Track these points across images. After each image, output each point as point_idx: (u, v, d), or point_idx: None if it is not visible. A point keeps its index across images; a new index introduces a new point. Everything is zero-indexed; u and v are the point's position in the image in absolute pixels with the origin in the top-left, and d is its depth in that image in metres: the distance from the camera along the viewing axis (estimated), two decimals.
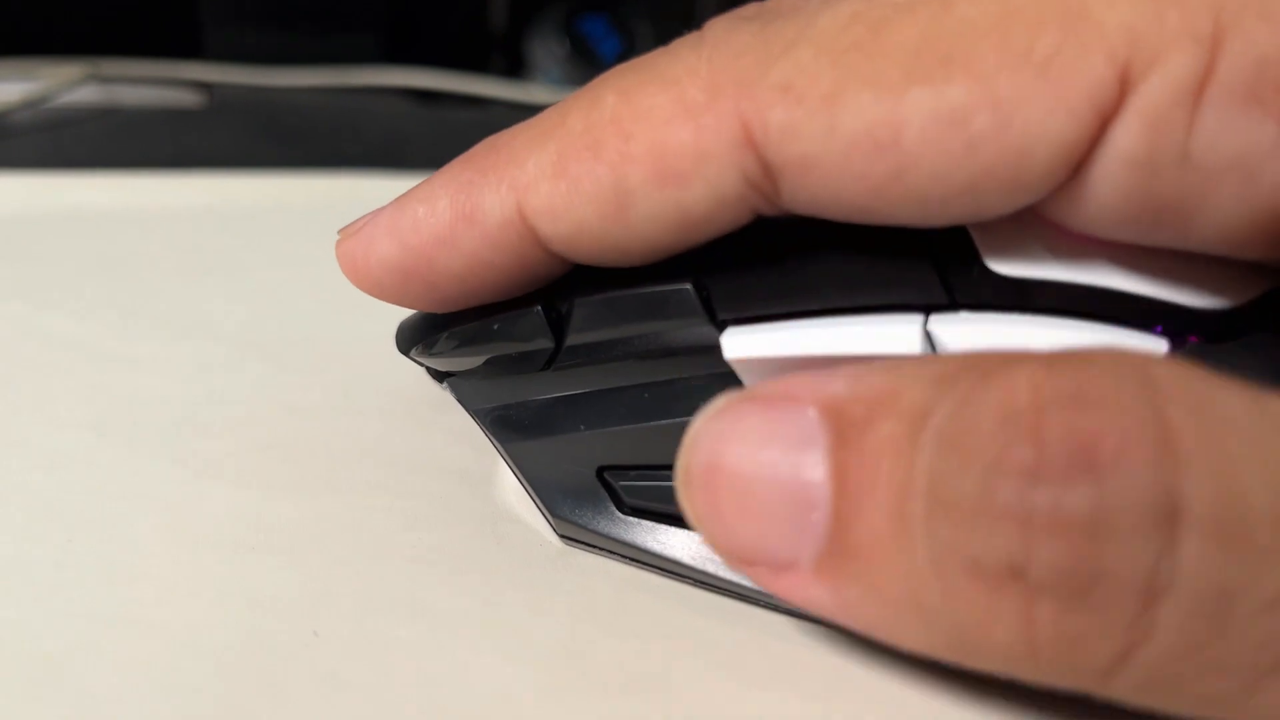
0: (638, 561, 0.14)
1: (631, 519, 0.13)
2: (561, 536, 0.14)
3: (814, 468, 0.10)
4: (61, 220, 0.30)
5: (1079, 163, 0.10)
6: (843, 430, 0.10)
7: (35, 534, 0.14)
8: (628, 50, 0.52)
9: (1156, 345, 0.11)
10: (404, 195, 0.14)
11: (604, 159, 0.12)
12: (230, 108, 0.46)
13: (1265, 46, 0.09)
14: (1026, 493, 0.09)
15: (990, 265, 0.12)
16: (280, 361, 0.20)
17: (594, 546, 0.14)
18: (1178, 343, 0.11)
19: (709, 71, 0.11)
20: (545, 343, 0.13)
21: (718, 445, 0.11)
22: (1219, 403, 0.09)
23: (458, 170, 0.13)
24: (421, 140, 0.44)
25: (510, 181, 0.12)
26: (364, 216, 0.14)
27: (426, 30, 0.52)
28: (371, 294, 0.14)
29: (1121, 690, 0.09)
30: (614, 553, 0.14)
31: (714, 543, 0.11)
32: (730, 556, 0.11)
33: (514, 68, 0.54)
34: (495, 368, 0.14)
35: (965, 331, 0.12)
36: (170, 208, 0.32)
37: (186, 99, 0.46)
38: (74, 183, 0.34)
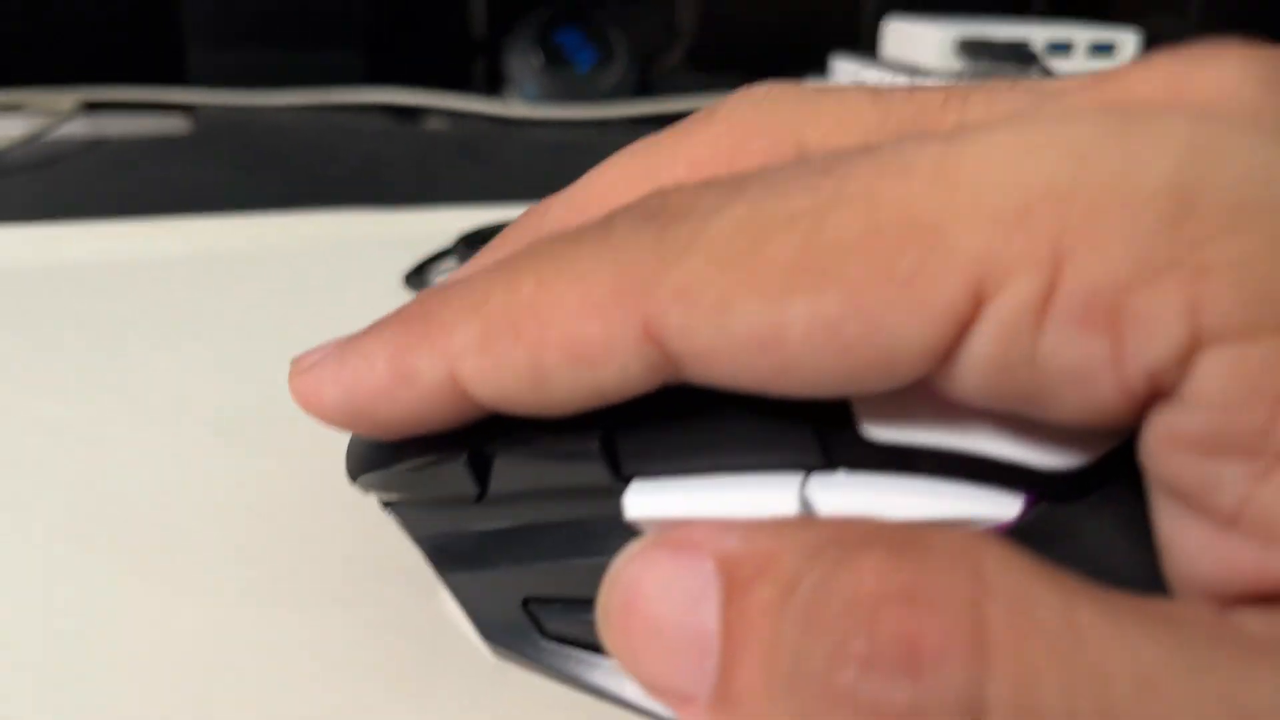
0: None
1: (554, 645, 0.15)
2: (495, 652, 0.16)
3: (709, 618, 0.11)
4: (50, 275, 0.32)
5: (942, 360, 0.12)
6: (731, 587, 0.11)
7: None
8: (603, 60, 0.53)
9: (1014, 506, 0.13)
10: (347, 344, 0.15)
11: (523, 341, 0.13)
12: (215, 134, 0.47)
13: (1096, 275, 0.10)
14: (859, 680, 0.10)
15: (866, 430, 0.13)
16: (250, 446, 0.22)
17: (525, 662, 0.15)
18: (1032, 503, 0.13)
19: (613, 273, 0.12)
20: (471, 488, 0.14)
21: (632, 588, 0.12)
22: (1034, 601, 0.10)
23: (394, 331, 0.14)
24: (402, 161, 0.45)
25: (441, 350, 0.13)
26: (314, 351, 0.15)
27: (407, 48, 0.53)
28: (324, 424, 0.15)
29: None
30: (542, 668, 0.15)
31: (630, 673, 0.12)
32: (644, 686, 0.12)
33: (494, 82, 0.54)
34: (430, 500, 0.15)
35: (839, 493, 0.13)
36: (157, 258, 0.34)
37: (172, 126, 0.47)
38: (65, 233, 0.35)
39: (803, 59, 0.57)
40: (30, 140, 0.41)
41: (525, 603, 0.15)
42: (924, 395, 0.13)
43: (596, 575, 0.13)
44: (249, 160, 0.43)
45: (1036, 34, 0.46)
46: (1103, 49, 0.47)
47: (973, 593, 0.10)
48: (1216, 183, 0.10)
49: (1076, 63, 0.46)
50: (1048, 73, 0.43)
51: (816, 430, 0.13)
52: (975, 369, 0.11)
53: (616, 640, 0.12)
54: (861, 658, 0.10)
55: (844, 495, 0.13)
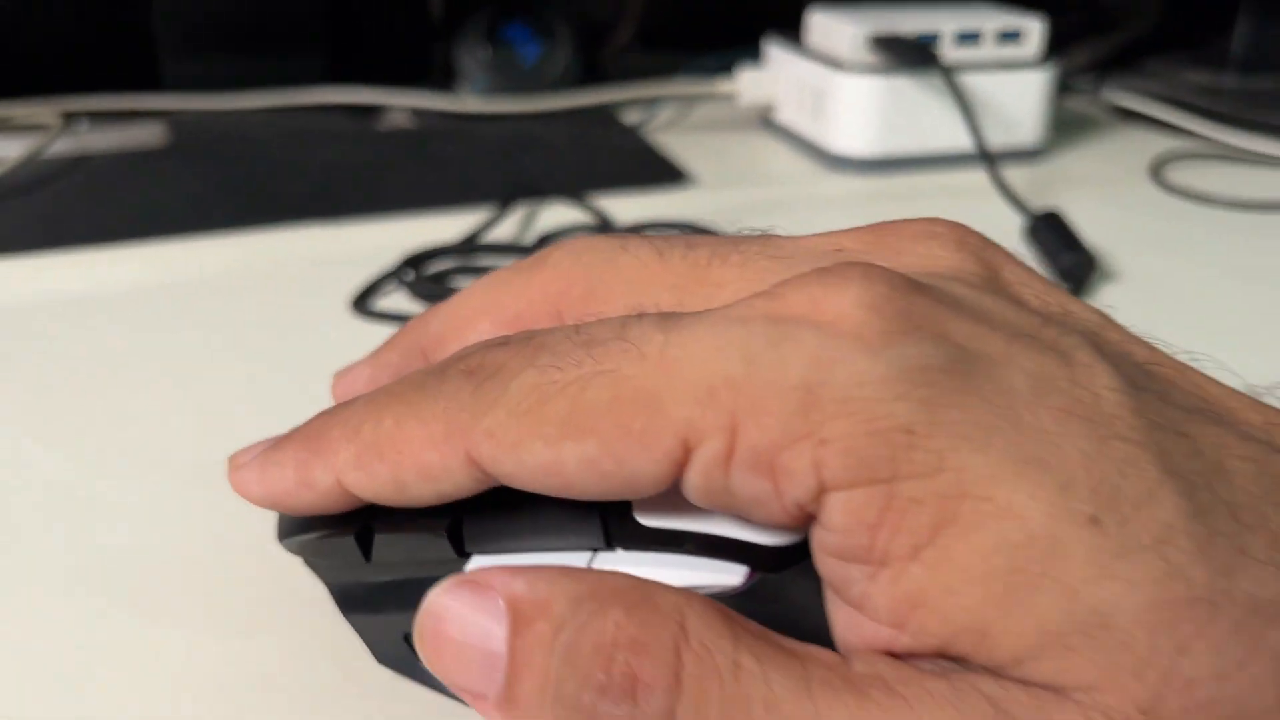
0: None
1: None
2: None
3: (498, 643, 0.16)
4: (35, 311, 0.36)
5: (670, 483, 0.16)
6: (516, 621, 0.16)
7: None
8: (548, 53, 0.56)
9: (739, 575, 0.17)
10: (267, 453, 0.19)
11: (387, 462, 0.18)
12: (190, 144, 0.50)
13: (757, 440, 0.15)
14: (597, 702, 0.15)
15: (638, 518, 0.18)
16: (210, 489, 0.26)
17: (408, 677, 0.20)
18: (752, 574, 0.17)
19: (444, 418, 0.17)
20: (360, 559, 0.19)
21: (441, 614, 0.17)
22: (714, 648, 0.15)
23: (297, 448, 0.19)
24: (358, 165, 0.49)
25: (329, 465, 0.18)
26: (245, 452, 0.20)
27: (366, 47, 0.56)
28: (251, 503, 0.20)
29: None
30: (421, 682, 0.20)
31: (437, 675, 0.17)
32: (449, 686, 0.17)
33: (450, 79, 0.58)
34: None
35: (616, 567, 0.18)
36: (139, 287, 0.38)
37: (150, 136, 0.51)
38: (48, 263, 0.40)
39: (741, 40, 0.61)
40: (29, 160, 0.45)
41: (405, 637, 0.20)
42: (680, 494, 0.18)
43: None
44: (219, 173, 0.47)
45: (946, 25, 0.49)
46: (1009, 36, 0.50)
47: (676, 642, 0.15)
48: (830, 383, 0.15)
49: (985, 50, 0.50)
50: (947, 71, 0.47)
51: (602, 519, 0.18)
52: (692, 490, 0.16)
53: (428, 652, 0.17)
54: (600, 686, 0.15)
55: (620, 568, 0.18)
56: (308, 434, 0.19)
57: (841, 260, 0.17)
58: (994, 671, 0.14)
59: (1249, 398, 0.16)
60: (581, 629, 0.16)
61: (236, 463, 0.20)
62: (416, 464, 0.17)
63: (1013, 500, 0.14)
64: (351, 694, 0.20)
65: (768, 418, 0.15)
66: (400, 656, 0.20)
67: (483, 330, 0.21)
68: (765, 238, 0.19)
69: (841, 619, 0.16)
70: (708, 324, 0.16)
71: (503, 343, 0.18)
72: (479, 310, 0.21)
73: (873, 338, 0.15)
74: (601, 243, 0.20)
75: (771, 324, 0.15)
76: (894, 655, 0.15)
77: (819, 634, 0.17)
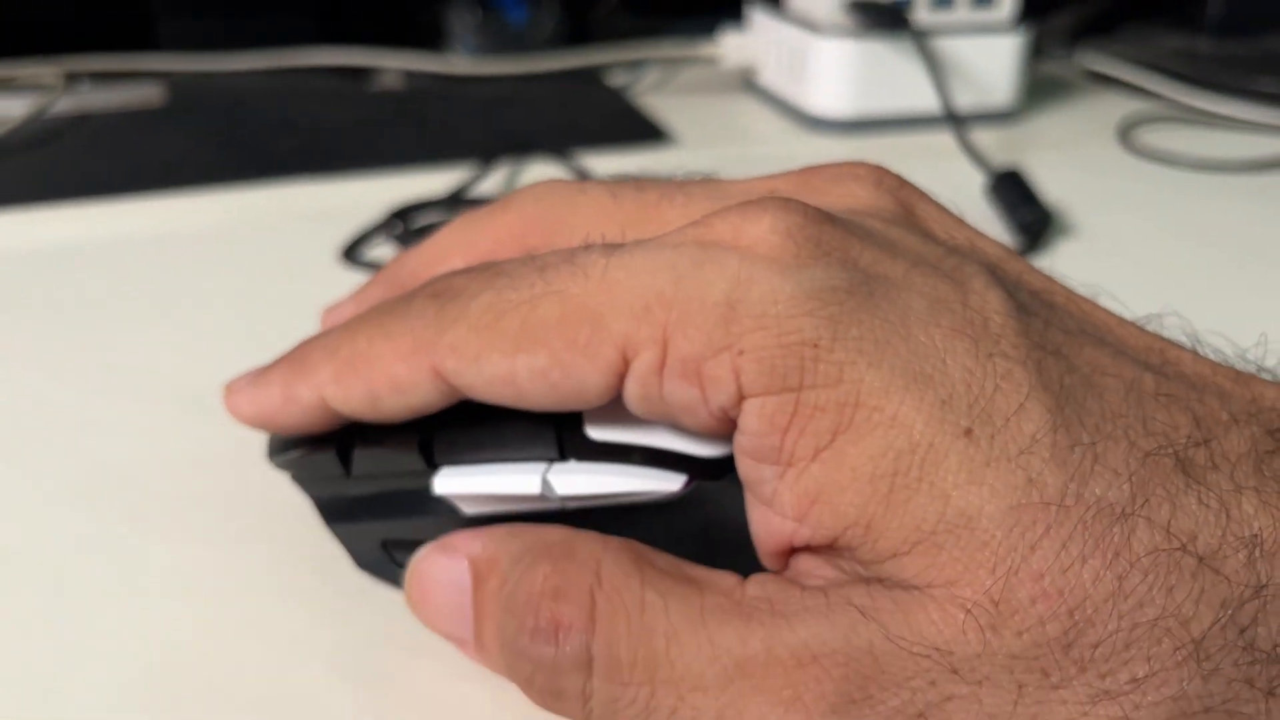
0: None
1: (403, 571, 0.22)
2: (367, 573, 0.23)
3: (465, 596, 0.18)
4: (36, 259, 0.38)
5: (612, 393, 0.18)
6: (475, 579, 0.18)
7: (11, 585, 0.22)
8: (535, 16, 0.57)
9: (677, 482, 0.19)
10: (257, 375, 0.21)
11: (361, 377, 0.19)
12: (186, 103, 0.52)
13: (685, 351, 0.17)
14: (529, 644, 0.17)
15: (589, 432, 0.20)
16: (202, 414, 0.28)
17: (387, 583, 0.22)
18: (690, 481, 0.19)
19: (411, 335, 0.19)
20: (340, 472, 0.21)
21: (424, 574, 0.19)
22: (624, 589, 0.17)
23: (283, 369, 0.21)
24: (349, 123, 0.50)
25: (312, 382, 0.20)
26: (239, 379, 0.22)
27: (356, 10, 0.58)
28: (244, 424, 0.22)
29: None
30: (398, 586, 0.22)
31: (426, 625, 0.19)
32: (435, 631, 0.19)
33: (440, 40, 0.59)
34: None
35: (567, 477, 0.19)
36: (137, 238, 0.40)
37: (148, 95, 0.53)
38: (50, 215, 0.41)
39: (723, 6, 0.62)
40: (33, 118, 0.47)
41: (383, 544, 0.22)
42: (627, 412, 0.20)
43: (424, 527, 0.20)
44: (215, 131, 0.49)
45: None
46: (982, 1, 0.51)
47: (590, 587, 0.17)
48: (747, 300, 0.16)
49: (959, 15, 0.51)
50: (918, 35, 0.48)
51: (557, 433, 0.20)
52: (632, 399, 0.18)
53: (416, 608, 0.20)
54: (530, 630, 0.17)
55: (570, 478, 0.19)
56: (292, 358, 0.21)
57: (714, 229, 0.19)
58: (873, 566, 0.16)
59: (1134, 325, 0.18)
60: (517, 582, 0.18)
61: (230, 388, 0.22)
62: (387, 377, 0.19)
63: (899, 411, 0.15)
64: (332, 596, 0.22)
65: (694, 330, 0.17)
66: (378, 562, 0.22)
67: (455, 266, 0.22)
68: (708, 181, 0.21)
69: (757, 517, 0.18)
70: (644, 249, 0.18)
71: (465, 271, 0.20)
72: (452, 248, 0.23)
73: (787, 260, 0.17)
74: (561, 186, 0.22)
75: (699, 248, 0.17)
76: (795, 551, 0.17)
77: (745, 535, 0.19)
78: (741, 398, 0.17)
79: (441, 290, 0.19)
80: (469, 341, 0.18)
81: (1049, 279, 0.19)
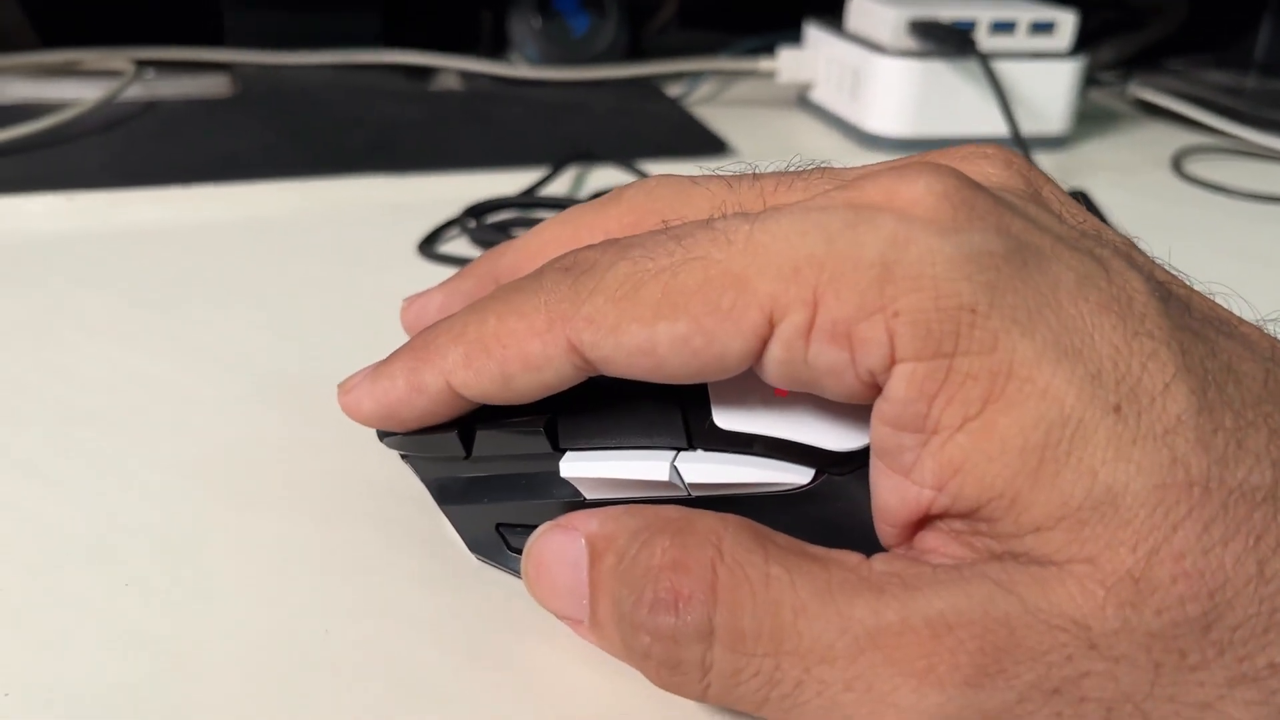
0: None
1: (516, 555, 0.22)
2: (478, 558, 0.23)
3: (581, 573, 0.18)
4: (118, 239, 0.38)
5: (754, 360, 0.18)
6: (592, 556, 0.18)
7: (98, 557, 0.23)
8: (596, 25, 0.58)
9: (805, 476, 0.20)
10: (375, 370, 0.21)
11: (493, 357, 0.19)
12: (254, 96, 0.53)
13: (836, 313, 0.16)
14: (648, 616, 0.17)
15: (717, 421, 0.20)
16: (300, 397, 0.29)
17: (497, 566, 0.23)
18: (818, 475, 0.20)
19: (545, 309, 0.19)
20: (460, 451, 0.21)
21: (540, 554, 0.19)
22: (747, 563, 0.17)
23: (406, 358, 0.20)
24: (416, 122, 0.51)
25: (439, 367, 0.20)
26: (353, 377, 0.22)
27: (419, 13, 0.58)
28: (361, 423, 0.22)
29: (710, 702, 0.18)
30: (508, 570, 0.22)
31: (541, 605, 0.20)
32: (549, 611, 0.20)
33: (499, 44, 0.60)
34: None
35: (696, 465, 0.20)
36: (207, 223, 0.40)
37: (216, 86, 0.53)
38: (130, 198, 0.42)
39: (781, 22, 0.63)
40: (104, 104, 0.48)
41: (498, 527, 0.22)
42: (755, 401, 0.20)
43: (543, 510, 0.21)
44: (284, 123, 0.50)
45: (983, 14, 0.51)
46: (1042, 27, 0.52)
47: (712, 560, 0.17)
48: (904, 261, 0.16)
49: (1019, 40, 0.52)
50: (984, 58, 0.49)
51: (684, 421, 0.20)
52: (774, 365, 0.18)
53: (532, 586, 0.20)
54: (649, 602, 0.18)
55: (699, 466, 0.20)
56: (414, 346, 0.21)
57: (865, 192, 0.18)
58: (1011, 540, 0.16)
59: (1255, 324, 0.18)
60: (635, 557, 0.18)
61: (345, 387, 0.22)
62: (521, 355, 0.19)
63: (1051, 383, 0.15)
64: (446, 578, 0.22)
65: (847, 291, 0.16)
66: (491, 545, 0.22)
67: None
68: (824, 168, 0.21)
69: (888, 485, 0.18)
70: (790, 212, 0.17)
71: (594, 245, 0.19)
72: (553, 241, 0.22)
73: (944, 222, 0.16)
74: (674, 179, 0.22)
75: (850, 209, 0.17)
76: (921, 526, 0.17)
77: (869, 531, 0.19)
78: (893, 361, 0.16)
79: (572, 264, 0.19)
80: (606, 313, 0.18)
81: (1170, 273, 0.19)
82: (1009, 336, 0.16)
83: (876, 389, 0.17)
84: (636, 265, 0.18)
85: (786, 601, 0.17)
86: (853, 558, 0.17)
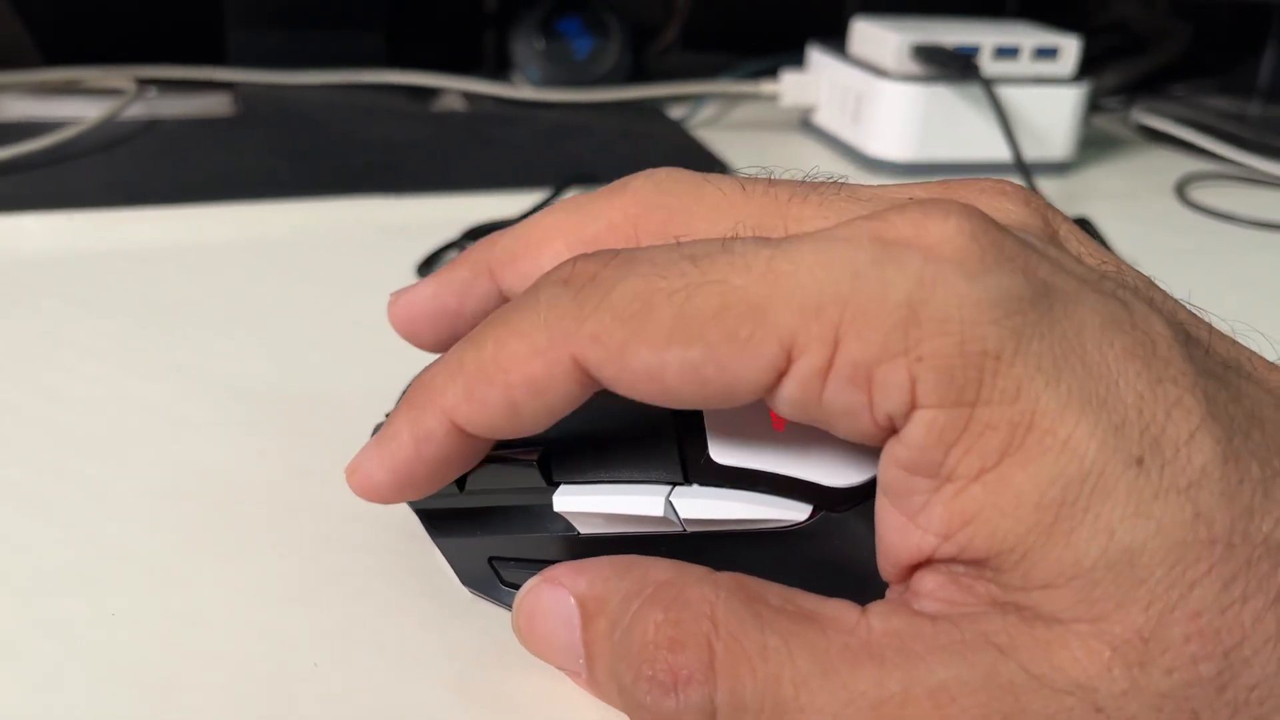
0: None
1: (508, 589, 0.22)
2: (471, 591, 0.23)
3: (575, 632, 0.18)
4: (117, 259, 0.38)
5: (766, 393, 0.17)
6: (584, 618, 0.18)
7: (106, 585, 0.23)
8: (599, 47, 0.58)
9: (803, 512, 0.19)
10: (378, 435, 0.20)
11: (497, 385, 0.18)
12: (255, 116, 0.53)
13: (857, 354, 0.16)
14: (647, 695, 0.17)
15: (713, 455, 0.20)
16: (296, 422, 0.28)
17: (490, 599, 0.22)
18: (815, 511, 0.19)
19: (546, 327, 0.17)
20: (453, 487, 0.21)
21: (532, 608, 0.19)
22: (743, 634, 0.17)
23: (404, 410, 0.19)
24: (418, 142, 0.51)
25: (439, 408, 0.19)
26: (357, 455, 0.20)
27: (421, 34, 0.58)
28: (380, 501, 0.20)
29: None
30: (500, 603, 0.22)
31: (536, 656, 0.19)
32: (542, 660, 0.19)
33: (502, 65, 0.60)
34: None
35: (691, 501, 0.19)
36: (206, 243, 0.40)
37: (217, 105, 0.53)
38: (129, 217, 0.42)
39: (784, 45, 0.63)
40: (105, 122, 0.47)
41: (490, 560, 0.22)
42: (752, 435, 0.20)
43: (537, 544, 0.20)
44: (285, 143, 0.50)
45: (986, 39, 0.51)
46: (1046, 53, 0.52)
47: (707, 636, 0.17)
48: (930, 303, 0.16)
49: (1023, 65, 0.52)
50: (987, 83, 0.49)
51: (680, 455, 0.20)
52: (786, 401, 0.17)
53: (525, 640, 0.20)
54: (648, 680, 0.17)
55: (695, 502, 0.20)
56: (410, 397, 0.19)
57: (893, 225, 0.17)
58: (1016, 593, 0.16)
59: (1275, 364, 0.18)
60: (628, 630, 0.18)
61: (352, 467, 0.20)
62: (526, 377, 0.18)
63: (1073, 436, 0.15)
64: (438, 610, 0.22)
65: (870, 332, 0.16)
66: (483, 578, 0.22)
67: (557, 250, 0.21)
68: (841, 184, 0.20)
69: (893, 526, 0.17)
70: (814, 242, 0.17)
71: (592, 256, 0.18)
72: (554, 230, 0.21)
73: (972, 264, 0.16)
74: (686, 174, 0.21)
75: (878, 245, 0.16)
76: (928, 563, 0.17)
77: (867, 568, 0.19)
78: (913, 407, 0.16)
79: (570, 277, 0.18)
80: (614, 332, 0.17)
81: (1190, 312, 0.18)
82: (1033, 385, 0.15)
83: (891, 431, 0.16)
84: (647, 283, 0.17)
85: (786, 675, 0.16)
86: (849, 615, 0.17)
